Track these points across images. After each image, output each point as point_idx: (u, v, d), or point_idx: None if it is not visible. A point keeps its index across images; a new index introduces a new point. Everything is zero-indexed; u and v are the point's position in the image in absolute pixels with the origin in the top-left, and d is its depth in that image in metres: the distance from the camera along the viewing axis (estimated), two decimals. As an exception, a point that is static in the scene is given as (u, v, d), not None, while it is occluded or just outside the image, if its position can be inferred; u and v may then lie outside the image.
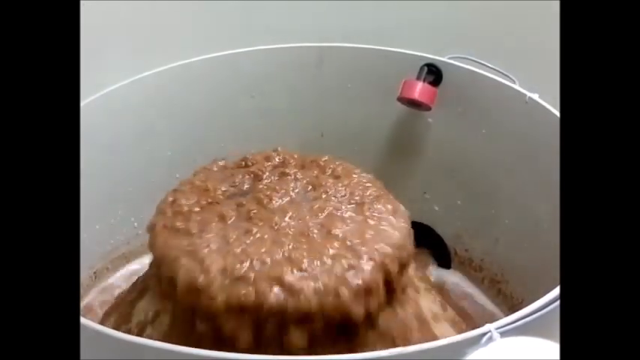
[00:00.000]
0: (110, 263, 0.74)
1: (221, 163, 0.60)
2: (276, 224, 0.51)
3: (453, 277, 0.76)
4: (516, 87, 0.67)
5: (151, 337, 0.41)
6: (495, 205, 0.71)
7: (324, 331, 0.46)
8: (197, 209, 0.53)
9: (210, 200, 0.54)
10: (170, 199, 0.55)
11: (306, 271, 0.47)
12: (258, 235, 0.50)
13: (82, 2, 0.42)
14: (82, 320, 0.40)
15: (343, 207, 0.54)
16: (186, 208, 0.53)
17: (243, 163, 0.60)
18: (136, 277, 0.63)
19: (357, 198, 0.55)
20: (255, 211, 0.52)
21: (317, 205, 0.53)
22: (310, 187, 0.56)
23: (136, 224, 0.74)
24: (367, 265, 0.48)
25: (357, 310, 0.47)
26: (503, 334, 0.40)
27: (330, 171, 0.58)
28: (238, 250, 0.48)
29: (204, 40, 0.83)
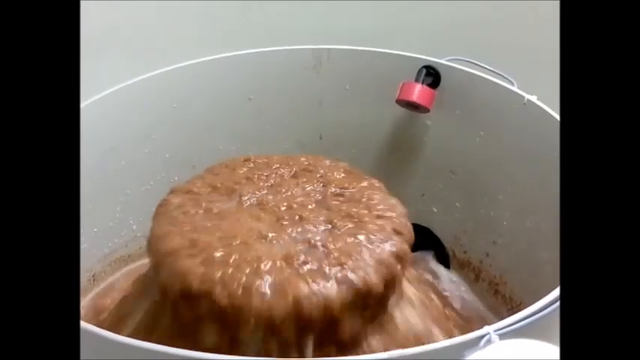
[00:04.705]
0: (108, 266, 0.74)
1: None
2: (275, 221, 0.51)
3: (451, 279, 0.76)
4: (514, 89, 0.67)
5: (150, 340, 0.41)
6: (494, 207, 0.71)
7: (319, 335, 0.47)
8: (198, 211, 0.53)
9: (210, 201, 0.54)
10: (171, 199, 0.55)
11: (303, 272, 0.47)
12: (257, 234, 0.50)
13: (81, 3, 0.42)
14: (82, 324, 0.40)
15: (340, 204, 0.54)
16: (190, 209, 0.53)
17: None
18: (135, 280, 0.63)
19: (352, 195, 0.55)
20: (254, 210, 0.53)
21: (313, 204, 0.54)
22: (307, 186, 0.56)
23: (134, 227, 0.74)
24: (368, 268, 0.48)
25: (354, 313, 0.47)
26: (501, 336, 0.40)
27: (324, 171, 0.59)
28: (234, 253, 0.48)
29: (201, 43, 0.83)
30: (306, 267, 0.47)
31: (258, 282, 0.45)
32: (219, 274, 0.46)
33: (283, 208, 0.53)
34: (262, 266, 0.46)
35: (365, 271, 0.47)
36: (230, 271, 0.46)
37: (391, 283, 0.49)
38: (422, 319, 0.55)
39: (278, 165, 0.59)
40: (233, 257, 0.47)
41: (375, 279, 0.47)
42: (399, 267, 0.49)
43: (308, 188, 0.56)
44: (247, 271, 0.46)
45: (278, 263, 0.47)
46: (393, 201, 0.55)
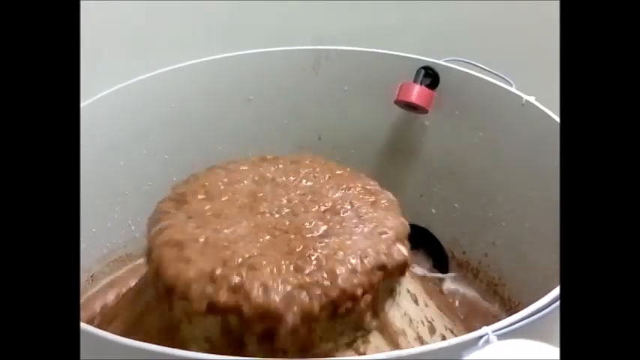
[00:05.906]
0: (107, 266, 0.74)
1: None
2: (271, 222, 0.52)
3: (450, 280, 0.76)
4: (513, 90, 0.67)
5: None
6: (492, 208, 0.71)
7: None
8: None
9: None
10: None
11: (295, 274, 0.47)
12: (252, 233, 0.50)
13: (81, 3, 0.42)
14: (82, 324, 0.40)
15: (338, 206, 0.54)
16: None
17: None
18: (135, 280, 0.63)
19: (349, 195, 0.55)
20: (252, 210, 0.53)
21: (311, 205, 0.54)
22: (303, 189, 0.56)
23: (133, 227, 0.74)
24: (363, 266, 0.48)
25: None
26: (500, 337, 0.40)
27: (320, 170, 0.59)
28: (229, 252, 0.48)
29: (201, 43, 0.83)
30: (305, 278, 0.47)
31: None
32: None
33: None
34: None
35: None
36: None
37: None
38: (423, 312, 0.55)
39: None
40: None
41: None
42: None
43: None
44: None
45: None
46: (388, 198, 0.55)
